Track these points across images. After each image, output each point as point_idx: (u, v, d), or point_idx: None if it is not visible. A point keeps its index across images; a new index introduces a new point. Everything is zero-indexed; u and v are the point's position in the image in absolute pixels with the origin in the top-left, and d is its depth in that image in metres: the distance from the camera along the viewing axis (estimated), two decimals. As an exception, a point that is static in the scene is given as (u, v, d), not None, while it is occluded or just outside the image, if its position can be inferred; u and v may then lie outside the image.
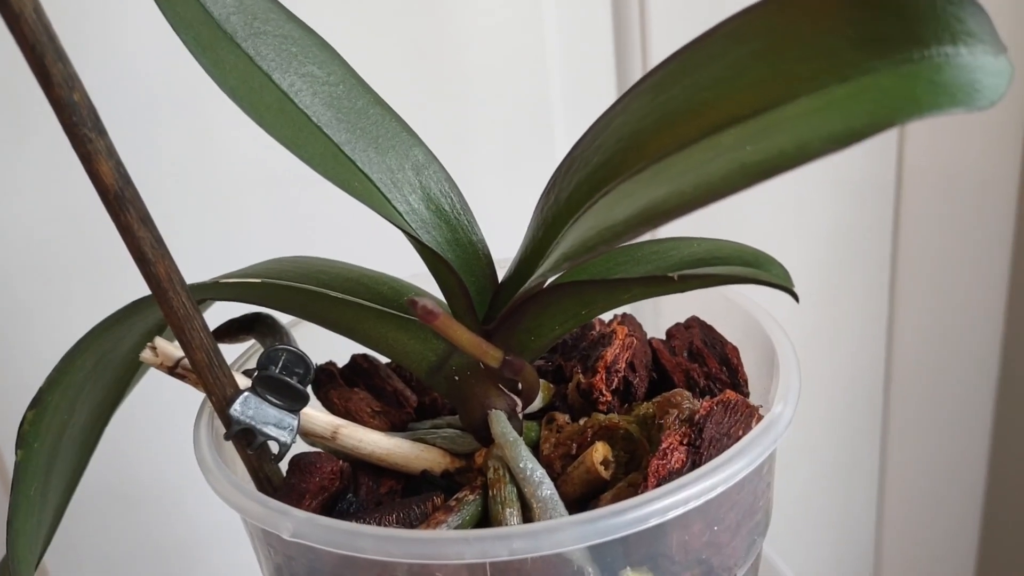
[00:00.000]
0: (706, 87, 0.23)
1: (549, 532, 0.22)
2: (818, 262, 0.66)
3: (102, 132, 0.24)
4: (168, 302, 0.26)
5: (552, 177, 0.27)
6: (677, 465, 0.26)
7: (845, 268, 0.67)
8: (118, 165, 0.24)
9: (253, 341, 0.33)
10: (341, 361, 0.33)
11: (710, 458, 0.25)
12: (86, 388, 0.30)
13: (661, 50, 0.54)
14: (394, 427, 0.32)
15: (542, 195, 0.27)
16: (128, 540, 0.54)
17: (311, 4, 0.47)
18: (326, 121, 0.28)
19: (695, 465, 0.25)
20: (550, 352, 0.33)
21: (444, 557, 0.22)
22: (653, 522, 0.22)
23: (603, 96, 0.56)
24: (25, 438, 0.29)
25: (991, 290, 0.69)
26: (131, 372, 0.32)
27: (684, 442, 0.26)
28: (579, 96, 0.55)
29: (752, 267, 0.25)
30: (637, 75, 0.55)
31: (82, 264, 0.48)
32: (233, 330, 0.33)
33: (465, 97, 0.53)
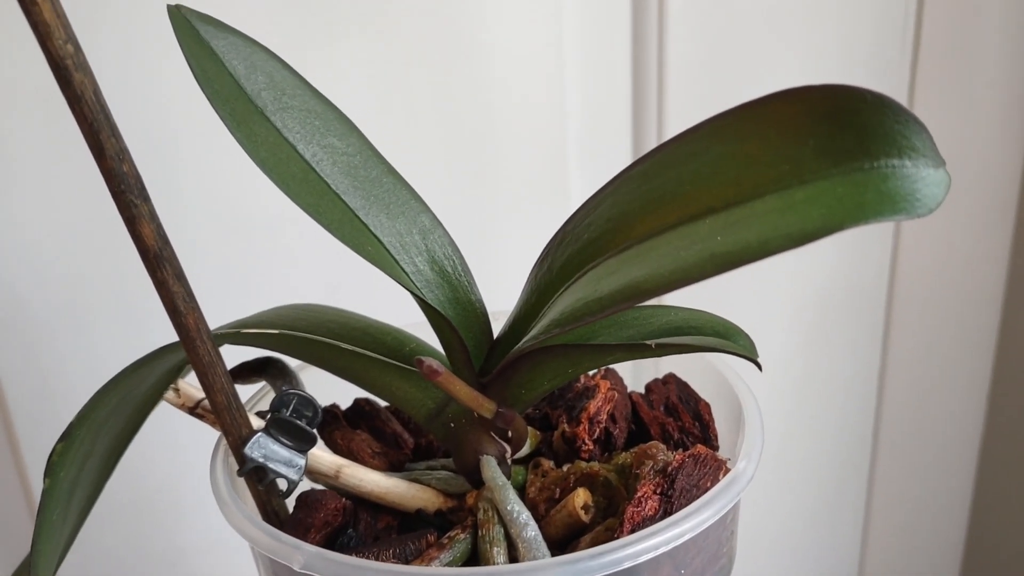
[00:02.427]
0: (687, 180, 0.26)
1: (533, 571, 0.25)
2: (815, 298, 0.69)
3: (146, 199, 0.27)
4: (195, 350, 0.29)
5: (545, 248, 0.30)
6: (650, 513, 0.28)
7: (840, 306, 0.70)
8: (158, 228, 0.27)
9: (264, 383, 0.36)
10: (344, 403, 0.36)
11: (680, 507, 0.28)
12: (108, 423, 0.33)
13: (676, 120, 0.58)
14: (392, 467, 0.34)
15: (536, 264, 0.30)
16: (130, 545, 0.56)
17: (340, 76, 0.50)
18: (344, 188, 0.30)
19: (667, 513, 0.28)
20: (538, 401, 0.36)
21: (440, 591, 0.25)
22: (627, 565, 0.25)
23: (616, 165, 0.60)
24: (53, 468, 0.31)
25: (982, 336, 0.72)
26: (148, 408, 0.35)
27: (657, 491, 0.29)
28: (594, 162, 0.59)
29: (722, 337, 0.28)
30: (652, 141, 0.59)
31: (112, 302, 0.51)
32: (245, 372, 0.35)
33: (488, 162, 0.56)
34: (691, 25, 0.57)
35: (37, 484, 0.54)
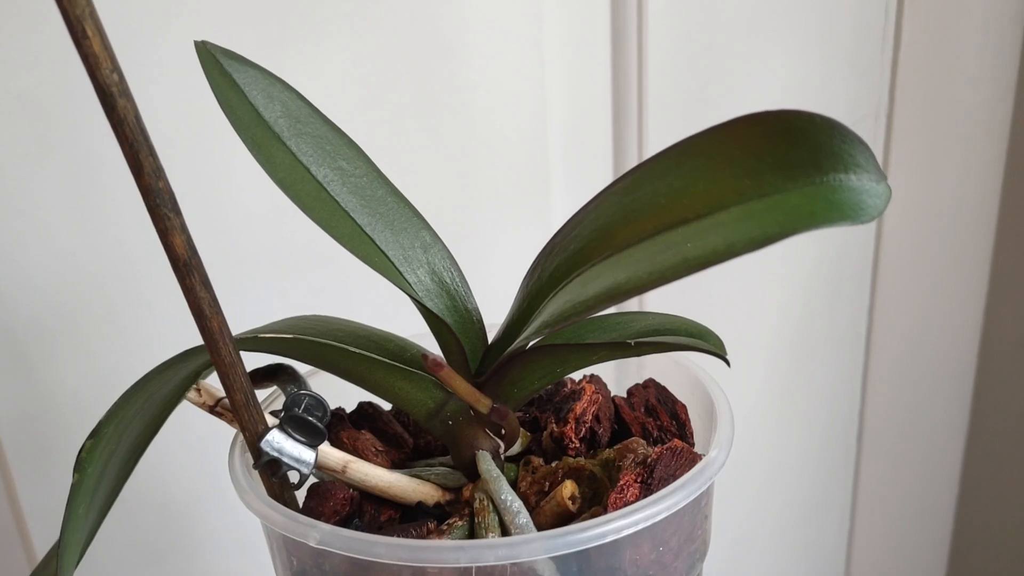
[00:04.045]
0: (662, 194, 0.29)
1: (526, 543, 0.28)
2: (798, 302, 0.71)
3: (178, 212, 0.30)
4: (218, 351, 0.32)
5: (536, 259, 0.33)
6: (632, 498, 0.31)
7: (824, 310, 0.72)
8: (188, 239, 0.30)
9: (274, 388, 0.39)
10: (349, 408, 0.39)
11: (659, 493, 0.31)
12: (133, 422, 0.36)
13: (656, 123, 0.60)
14: (394, 465, 0.37)
15: (527, 273, 0.33)
16: (134, 543, 0.58)
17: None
18: (352, 207, 0.34)
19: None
20: (528, 406, 0.39)
21: (443, 561, 0.27)
22: (610, 538, 0.28)
23: (597, 167, 0.62)
24: (82, 463, 0.34)
25: (965, 337, 0.74)
26: (169, 410, 0.37)
27: (638, 480, 0.32)
28: (575, 179, 0.62)
29: (695, 337, 0.31)
30: (632, 142, 0.62)
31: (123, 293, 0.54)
32: (258, 377, 0.38)
33: (471, 173, 0.59)
34: (671, 26, 0.59)
35: (27, 502, 0.56)
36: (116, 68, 0.28)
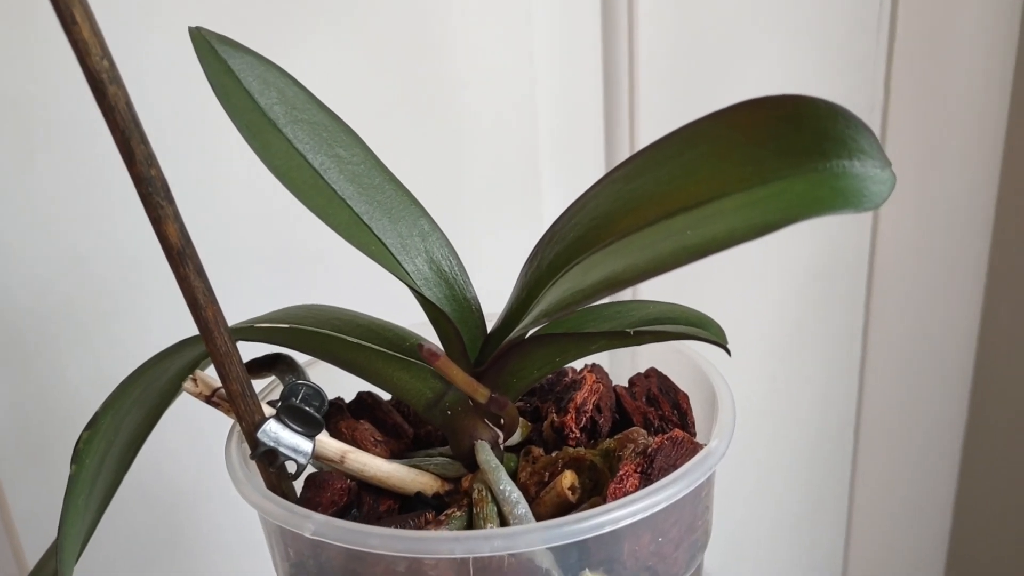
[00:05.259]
0: (663, 181, 0.29)
1: (523, 533, 0.27)
2: (794, 299, 0.71)
3: (171, 201, 0.29)
4: (213, 340, 0.31)
5: (535, 247, 0.33)
6: (631, 488, 0.31)
7: (820, 307, 0.72)
8: (182, 227, 0.30)
9: (272, 378, 0.38)
10: (348, 397, 0.39)
11: (659, 484, 0.31)
12: (131, 413, 0.35)
13: (648, 113, 0.59)
14: (393, 455, 0.37)
15: (526, 262, 0.33)
16: (133, 538, 0.58)
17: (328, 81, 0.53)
18: (349, 195, 0.33)
19: (647, 490, 0.31)
20: (528, 395, 0.39)
21: (438, 552, 0.27)
22: (608, 529, 0.27)
23: (589, 161, 0.62)
24: (80, 455, 0.34)
25: (962, 332, 0.74)
26: (167, 401, 0.37)
27: (638, 470, 0.31)
28: (565, 173, 0.61)
29: (695, 326, 0.31)
30: (624, 132, 0.61)
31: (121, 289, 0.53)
32: (256, 367, 0.38)
33: (460, 171, 0.59)
34: (662, 22, 0.59)
35: (15, 504, 0.56)
36: (106, 54, 0.27)
